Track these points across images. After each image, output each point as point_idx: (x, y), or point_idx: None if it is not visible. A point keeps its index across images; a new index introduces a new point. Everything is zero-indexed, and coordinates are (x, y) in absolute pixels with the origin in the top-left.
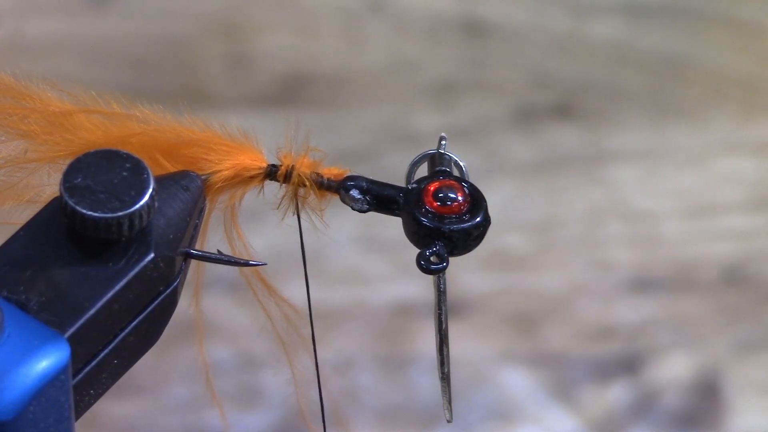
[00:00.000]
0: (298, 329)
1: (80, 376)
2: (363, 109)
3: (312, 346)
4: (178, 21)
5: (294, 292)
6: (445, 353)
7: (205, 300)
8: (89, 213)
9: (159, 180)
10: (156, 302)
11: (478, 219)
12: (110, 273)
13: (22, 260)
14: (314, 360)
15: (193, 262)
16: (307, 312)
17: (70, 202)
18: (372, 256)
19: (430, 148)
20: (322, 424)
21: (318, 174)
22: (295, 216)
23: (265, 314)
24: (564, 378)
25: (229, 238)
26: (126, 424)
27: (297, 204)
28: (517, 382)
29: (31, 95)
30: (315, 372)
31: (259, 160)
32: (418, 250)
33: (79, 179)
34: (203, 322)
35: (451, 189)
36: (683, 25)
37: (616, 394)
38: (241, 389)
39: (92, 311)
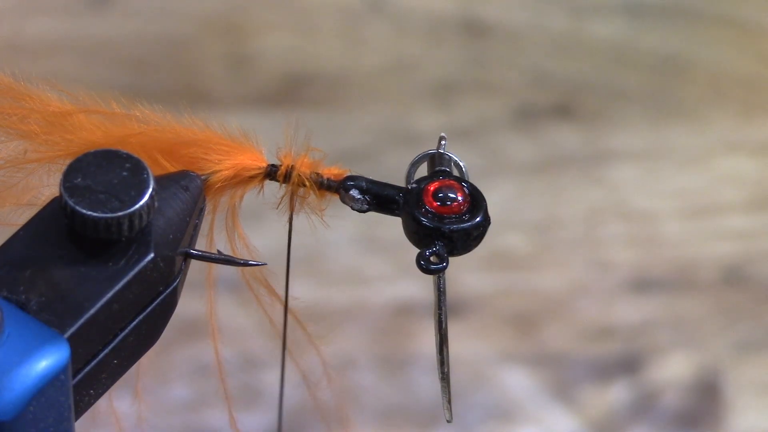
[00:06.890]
0: (304, 327)
1: (80, 376)
2: (363, 109)
3: (283, 350)
4: (178, 21)
5: (293, 291)
6: (445, 353)
7: (205, 300)
8: (89, 213)
9: (159, 180)
10: (156, 302)
11: (478, 219)
12: (110, 273)
13: (22, 260)
14: (281, 363)
15: (197, 263)
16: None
17: (70, 202)
18: (372, 256)
19: (430, 148)
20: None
21: (318, 174)
22: (296, 215)
23: (265, 315)
24: (564, 378)
25: (231, 238)
26: (126, 424)
27: (291, 204)
28: (517, 382)
29: (31, 95)
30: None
31: (258, 160)
32: (418, 250)
33: (79, 179)
34: (207, 322)
35: (451, 189)
36: (683, 25)
37: (616, 394)
38: (241, 389)
39: (92, 311)
